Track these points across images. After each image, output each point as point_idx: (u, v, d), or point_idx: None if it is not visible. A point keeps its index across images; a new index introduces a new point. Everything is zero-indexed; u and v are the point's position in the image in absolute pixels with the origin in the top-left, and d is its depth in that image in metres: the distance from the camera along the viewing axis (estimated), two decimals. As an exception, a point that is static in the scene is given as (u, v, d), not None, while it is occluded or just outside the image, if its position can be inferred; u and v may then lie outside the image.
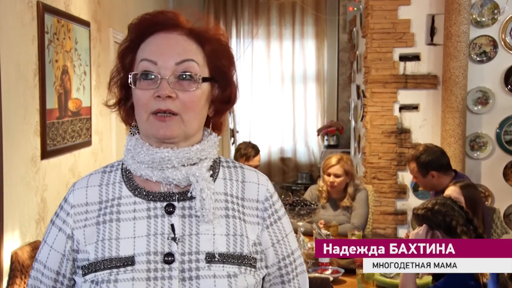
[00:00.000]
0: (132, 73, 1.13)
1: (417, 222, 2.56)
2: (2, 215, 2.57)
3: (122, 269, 1.09)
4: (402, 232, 4.63)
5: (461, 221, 2.42)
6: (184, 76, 1.12)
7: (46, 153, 3.00)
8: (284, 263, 1.21)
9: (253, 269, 1.15)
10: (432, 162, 3.44)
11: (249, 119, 7.58)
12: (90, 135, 3.73)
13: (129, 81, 1.13)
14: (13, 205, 2.68)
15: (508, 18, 4.46)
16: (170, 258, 1.09)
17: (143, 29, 1.16)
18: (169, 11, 1.17)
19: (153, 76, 1.11)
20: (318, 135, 7.34)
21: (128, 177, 1.18)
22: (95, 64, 3.87)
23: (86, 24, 3.68)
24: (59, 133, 3.19)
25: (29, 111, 2.86)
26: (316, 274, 2.91)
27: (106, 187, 1.18)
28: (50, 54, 3.07)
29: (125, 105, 1.20)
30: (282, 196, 6.48)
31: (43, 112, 2.97)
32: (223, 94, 1.20)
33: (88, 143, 3.71)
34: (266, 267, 1.20)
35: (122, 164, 1.21)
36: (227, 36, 1.22)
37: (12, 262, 2.59)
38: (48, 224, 1.22)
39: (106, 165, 1.23)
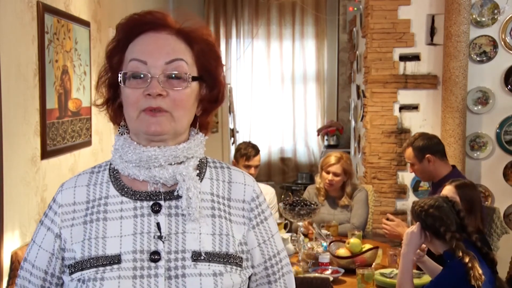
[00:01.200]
0: (122, 72, 1.14)
1: (413, 217, 2.58)
2: (2, 215, 2.57)
3: (108, 267, 1.09)
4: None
5: (452, 227, 2.42)
6: (174, 75, 1.13)
7: (46, 153, 3.00)
8: (270, 263, 1.22)
9: (239, 268, 1.16)
10: (427, 145, 3.48)
11: (249, 119, 7.57)
12: (90, 135, 3.73)
13: (119, 80, 1.14)
14: (13, 205, 2.67)
15: (508, 18, 4.46)
16: (156, 257, 1.10)
17: (131, 28, 1.17)
18: (157, 11, 1.18)
19: (142, 75, 1.12)
20: (318, 135, 7.34)
21: (115, 177, 1.19)
22: (95, 64, 3.87)
23: (86, 24, 3.68)
24: (59, 133, 3.19)
25: (29, 111, 2.86)
26: (316, 274, 2.91)
27: (94, 187, 1.19)
28: (50, 54, 3.07)
29: (113, 105, 1.21)
30: (282, 196, 6.49)
31: (43, 112, 2.97)
32: (211, 94, 1.22)
33: (88, 143, 3.71)
34: (252, 266, 1.21)
35: (110, 164, 1.22)
36: (214, 37, 1.24)
37: (12, 262, 2.59)
38: (37, 224, 1.23)
39: (95, 166, 1.25)
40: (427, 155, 3.45)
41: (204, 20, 7.26)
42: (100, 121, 3.91)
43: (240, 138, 7.09)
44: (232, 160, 4.85)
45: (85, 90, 3.63)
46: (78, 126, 3.49)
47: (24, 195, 2.79)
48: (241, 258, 1.17)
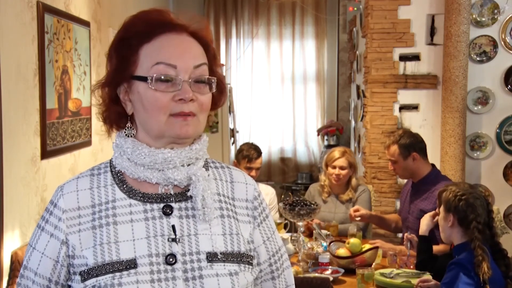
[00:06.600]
0: (154, 76, 1.11)
1: (440, 198, 2.57)
2: (2, 215, 2.57)
3: (125, 273, 1.08)
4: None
5: (480, 219, 2.43)
6: (201, 80, 1.14)
7: (46, 153, 3.00)
8: (274, 259, 1.25)
9: (250, 267, 1.17)
10: (413, 143, 3.51)
11: (249, 119, 7.57)
12: (90, 135, 3.73)
13: (148, 82, 1.11)
14: (13, 205, 2.68)
15: (508, 18, 4.46)
16: (172, 259, 1.10)
17: (148, 28, 1.13)
18: (164, 9, 1.16)
19: (172, 79, 1.11)
20: (318, 135, 7.33)
21: (120, 179, 1.17)
22: (95, 64, 3.87)
23: (86, 24, 3.68)
24: (59, 133, 3.19)
25: (29, 111, 2.86)
26: (316, 274, 2.91)
27: (98, 190, 1.16)
28: (50, 54, 3.07)
29: (116, 106, 1.18)
30: (282, 196, 6.48)
31: (43, 112, 2.97)
32: (217, 97, 1.22)
33: (88, 143, 3.71)
34: (258, 264, 1.22)
35: (111, 166, 1.19)
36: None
37: (12, 262, 2.59)
38: (34, 230, 1.18)
39: (92, 168, 1.21)
40: (413, 153, 3.46)
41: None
42: (100, 121, 3.91)
43: (240, 138, 7.09)
44: (233, 160, 4.84)
45: (85, 90, 3.63)
46: (78, 126, 3.49)
47: (24, 195, 2.79)
48: (252, 256, 1.19)
